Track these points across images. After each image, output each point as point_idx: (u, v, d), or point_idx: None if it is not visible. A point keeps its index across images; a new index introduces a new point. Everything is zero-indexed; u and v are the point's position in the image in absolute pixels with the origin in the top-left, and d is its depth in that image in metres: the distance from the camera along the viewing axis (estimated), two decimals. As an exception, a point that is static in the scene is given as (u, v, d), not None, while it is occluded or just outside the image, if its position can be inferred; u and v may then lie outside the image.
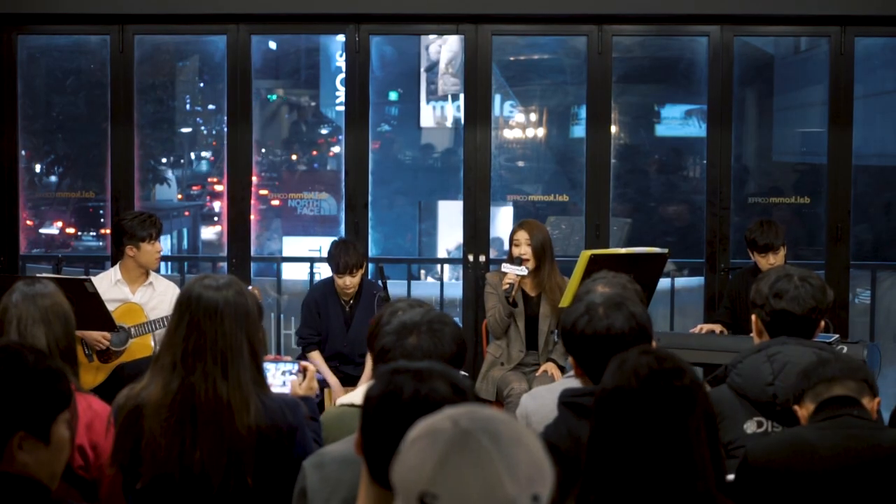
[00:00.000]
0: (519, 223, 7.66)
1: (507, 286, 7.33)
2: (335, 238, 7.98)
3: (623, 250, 7.05)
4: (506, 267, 7.38)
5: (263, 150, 10.57)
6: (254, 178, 9.09)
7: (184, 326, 3.76)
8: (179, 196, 11.43)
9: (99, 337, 7.00)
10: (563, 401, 3.62)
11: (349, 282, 7.62)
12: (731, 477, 3.56)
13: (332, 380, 7.67)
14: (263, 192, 10.16)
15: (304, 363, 4.36)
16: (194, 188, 11.83)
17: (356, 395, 4.06)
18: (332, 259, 7.65)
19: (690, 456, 2.67)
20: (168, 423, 3.69)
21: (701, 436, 2.71)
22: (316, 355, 7.76)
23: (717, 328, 7.53)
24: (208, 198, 11.76)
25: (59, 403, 2.74)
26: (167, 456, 3.69)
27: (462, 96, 9.14)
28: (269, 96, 10.80)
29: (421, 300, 3.98)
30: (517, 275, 7.32)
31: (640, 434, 2.67)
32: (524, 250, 7.42)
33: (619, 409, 2.71)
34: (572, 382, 3.82)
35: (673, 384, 2.71)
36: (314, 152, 11.37)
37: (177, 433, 3.69)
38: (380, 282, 7.40)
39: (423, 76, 10.43)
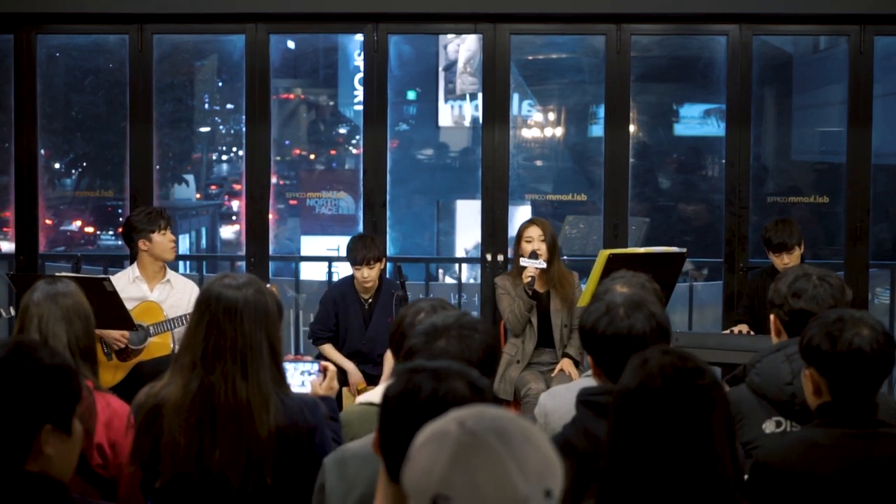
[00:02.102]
0: (528, 220, 7.70)
1: (529, 279, 7.34)
2: (354, 234, 8.01)
3: (641, 250, 7.04)
4: (524, 261, 7.39)
5: (285, 153, 10.59)
6: (272, 178, 9.11)
7: (203, 326, 3.75)
8: (198, 195, 11.45)
9: (118, 336, 7.02)
10: (581, 399, 3.62)
11: (367, 274, 7.62)
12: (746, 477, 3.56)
13: (348, 365, 7.66)
14: (282, 191, 10.18)
15: (324, 363, 4.36)
16: (213, 187, 11.85)
17: (376, 394, 4.06)
18: (350, 252, 7.67)
19: (714, 453, 2.68)
20: (187, 422, 3.69)
21: (723, 434, 2.71)
22: (328, 347, 7.77)
23: (743, 329, 7.49)
24: (227, 197, 11.78)
25: (77, 396, 2.76)
26: (186, 455, 3.69)
27: (480, 95, 9.14)
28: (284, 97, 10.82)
29: (444, 301, 3.97)
30: (537, 268, 7.34)
31: (665, 432, 2.67)
32: (538, 245, 7.44)
33: (642, 407, 2.71)
34: (591, 381, 3.82)
35: (696, 382, 2.72)
36: (332, 151, 11.38)
37: (196, 433, 3.68)
38: (398, 281, 7.42)
39: (442, 75, 10.43)
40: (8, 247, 9.32)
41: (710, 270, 9.54)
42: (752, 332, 7.38)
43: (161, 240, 7.32)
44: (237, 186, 10.52)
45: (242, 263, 9.10)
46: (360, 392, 7.28)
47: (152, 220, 7.30)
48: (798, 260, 7.47)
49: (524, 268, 7.41)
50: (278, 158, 10.26)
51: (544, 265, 7.37)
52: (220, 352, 3.71)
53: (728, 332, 7.55)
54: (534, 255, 7.39)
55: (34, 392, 2.66)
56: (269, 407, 3.70)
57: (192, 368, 3.74)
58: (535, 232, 7.51)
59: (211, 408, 3.69)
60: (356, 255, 7.62)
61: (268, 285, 3.97)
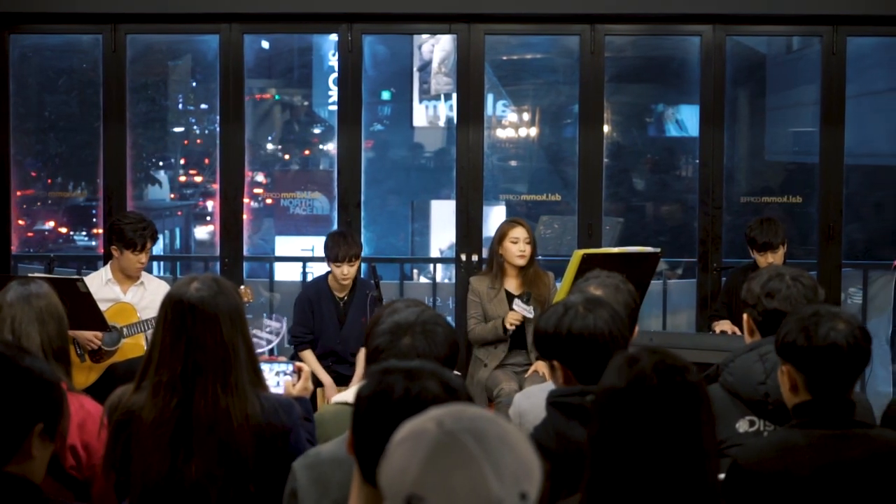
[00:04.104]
0: (513, 221, 7.67)
1: (514, 325, 7.29)
2: (330, 231, 7.99)
3: (616, 250, 7.05)
4: (518, 306, 7.31)
5: (262, 150, 10.56)
6: (246, 178, 9.09)
7: (182, 343, 3.67)
8: (172, 195, 11.41)
9: (91, 337, 7.00)
10: (550, 401, 3.62)
11: (347, 271, 7.61)
12: (721, 476, 3.56)
13: (325, 378, 7.66)
14: (258, 191, 10.15)
15: (298, 364, 4.34)
16: (187, 187, 11.81)
17: (351, 394, 4.04)
18: (329, 249, 7.65)
19: (703, 450, 2.69)
20: (162, 440, 3.64)
21: (711, 430, 2.73)
22: (308, 354, 7.75)
23: (726, 326, 7.49)
24: (201, 197, 11.74)
25: (62, 410, 2.77)
26: (158, 473, 3.64)
27: (455, 96, 9.14)
28: (276, 97, 10.82)
29: (418, 300, 3.97)
30: (525, 316, 7.28)
31: (656, 430, 2.67)
32: (523, 248, 7.44)
33: (634, 406, 2.71)
34: (563, 382, 3.82)
35: (686, 379, 2.73)
36: (306, 152, 11.35)
37: (169, 450, 3.64)
38: (372, 281, 7.40)
39: (416, 76, 10.42)
40: (-20, 248, 9.27)
41: (684, 270, 9.56)
42: (736, 330, 7.36)
43: (132, 258, 7.29)
44: (213, 186, 10.49)
45: (217, 264, 9.08)
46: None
47: (135, 237, 7.25)
48: (782, 259, 7.49)
49: (512, 302, 7.39)
50: (258, 152, 10.25)
51: (532, 315, 7.26)
52: (201, 367, 3.65)
53: (715, 331, 7.56)
54: (527, 297, 7.32)
55: (31, 391, 2.66)
56: (248, 411, 3.67)
57: (171, 387, 3.67)
58: (521, 233, 7.49)
59: (188, 425, 3.64)
60: (337, 252, 7.60)
61: (241, 287, 3.94)
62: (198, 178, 11.58)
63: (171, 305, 3.73)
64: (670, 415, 2.69)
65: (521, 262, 7.51)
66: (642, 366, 2.75)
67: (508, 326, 7.32)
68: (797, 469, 3.38)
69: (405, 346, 3.34)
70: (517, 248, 7.45)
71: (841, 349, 3.42)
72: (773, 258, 7.43)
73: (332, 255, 7.65)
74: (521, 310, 7.28)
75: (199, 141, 11.38)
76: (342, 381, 7.61)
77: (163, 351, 3.72)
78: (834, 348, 3.42)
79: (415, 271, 10.82)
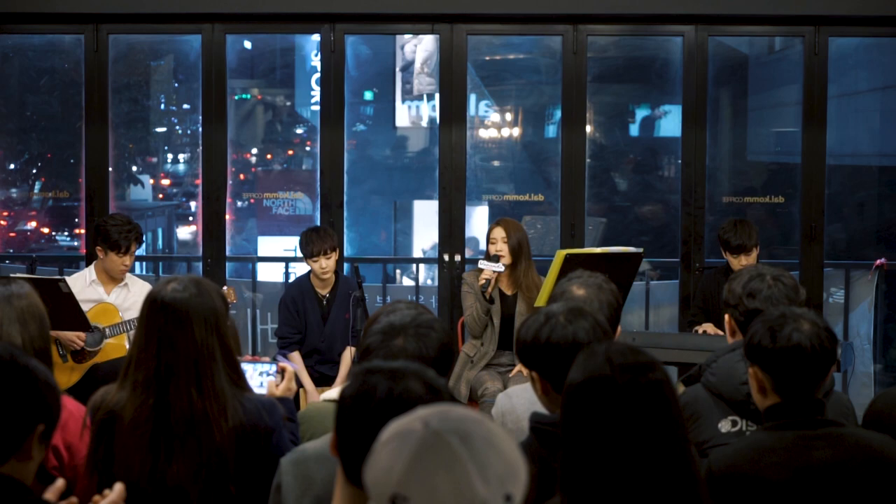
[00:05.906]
0: (496, 221, 7.69)
1: (484, 282, 7.35)
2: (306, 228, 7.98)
3: (598, 250, 7.04)
4: (482, 263, 7.42)
5: (247, 152, 10.55)
6: (228, 178, 9.08)
7: (154, 342, 3.70)
8: (155, 196, 11.39)
9: (73, 337, 6.98)
10: (532, 425, 3.59)
11: (325, 264, 7.61)
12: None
13: (308, 383, 7.65)
14: (238, 191, 10.13)
15: (282, 364, 4.34)
16: (168, 183, 11.79)
17: (338, 393, 4.04)
18: (306, 245, 7.65)
19: (682, 446, 2.69)
20: (142, 440, 3.65)
21: (686, 430, 2.73)
22: (296, 356, 7.75)
23: (708, 328, 7.50)
24: (183, 197, 11.73)
25: (58, 417, 2.78)
26: (140, 474, 3.64)
27: (437, 96, 9.15)
28: (239, 96, 10.78)
29: (417, 303, 3.96)
30: (494, 271, 7.35)
31: (623, 428, 2.68)
32: (500, 247, 7.45)
33: (594, 399, 2.71)
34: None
35: (649, 376, 2.73)
36: (289, 152, 11.34)
37: (150, 451, 3.65)
38: (356, 281, 7.41)
39: (399, 76, 10.41)
40: (-38, 248, 9.26)
41: (667, 270, 9.57)
42: (718, 331, 7.36)
43: (116, 260, 7.28)
44: (196, 183, 10.48)
45: (199, 264, 9.07)
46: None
47: (119, 239, 7.24)
48: (755, 261, 7.51)
49: (504, 300, 7.49)
50: (241, 152, 10.24)
51: (502, 269, 7.37)
52: (174, 367, 3.67)
53: (697, 331, 7.57)
54: (496, 258, 7.41)
55: (35, 391, 2.67)
56: (227, 412, 3.67)
57: (146, 386, 3.68)
58: (498, 233, 7.51)
59: (167, 425, 3.65)
60: (312, 247, 7.61)
61: (224, 287, 3.93)
62: (180, 179, 11.57)
63: (148, 304, 3.77)
64: (636, 412, 2.69)
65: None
66: (601, 359, 2.76)
67: (483, 292, 7.41)
68: (771, 472, 3.39)
69: (396, 346, 3.33)
70: (494, 248, 7.47)
71: (804, 350, 3.43)
72: (746, 261, 7.45)
73: (307, 252, 7.66)
74: (488, 266, 7.39)
75: (181, 141, 11.37)
76: (325, 382, 7.60)
77: (140, 350, 3.75)
78: (797, 350, 3.43)
79: (398, 272, 10.82)
